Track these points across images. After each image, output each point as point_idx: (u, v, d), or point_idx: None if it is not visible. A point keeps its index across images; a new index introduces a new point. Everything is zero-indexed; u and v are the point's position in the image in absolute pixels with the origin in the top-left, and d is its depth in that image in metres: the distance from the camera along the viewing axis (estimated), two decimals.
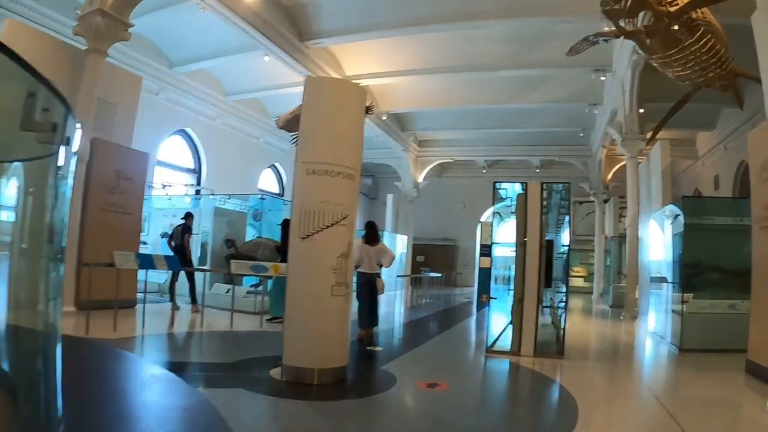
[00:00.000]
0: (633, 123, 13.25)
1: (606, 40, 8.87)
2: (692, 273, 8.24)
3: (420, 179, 24.44)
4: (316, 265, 5.12)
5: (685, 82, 8.78)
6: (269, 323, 8.90)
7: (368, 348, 7.40)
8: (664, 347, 8.40)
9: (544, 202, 7.89)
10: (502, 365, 6.62)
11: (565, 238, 8.73)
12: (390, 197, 23.80)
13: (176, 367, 5.37)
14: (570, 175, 24.10)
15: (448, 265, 26.49)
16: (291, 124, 10.25)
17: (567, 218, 8.84)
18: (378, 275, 8.52)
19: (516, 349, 6.92)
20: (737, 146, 15.91)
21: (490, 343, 7.21)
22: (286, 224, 8.37)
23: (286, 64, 14.09)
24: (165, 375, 4.85)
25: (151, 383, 4.64)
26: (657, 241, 11.28)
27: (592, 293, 21.47)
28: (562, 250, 9.09)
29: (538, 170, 25.35)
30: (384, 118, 19.55)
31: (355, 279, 8.79)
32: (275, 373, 5.18)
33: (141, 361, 5.69)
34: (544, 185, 7.32)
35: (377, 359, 6.80)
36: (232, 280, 10.80)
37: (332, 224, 5.14)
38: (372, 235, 8.53)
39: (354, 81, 16.40)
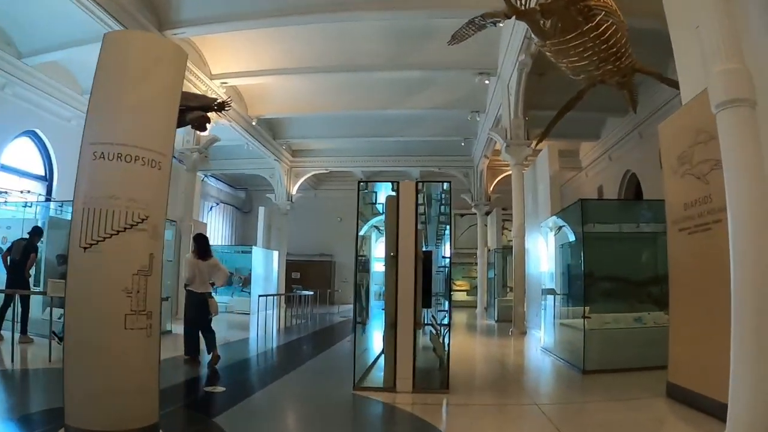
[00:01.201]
0: (518, 128, 12.60)
1: (494, 23, 7.82)
2: (590, 284, 7.36)
3: (294, 191, 22.87)
4: (102, 286, 3.48)
5: (579, 76, 7.96)
6: None
7: (207, 389, 5.71)
8: (563, 368, 7.37)
9: (422, 209, 6.76)
10: (371, 409, 5.18)
11: (446, 249, 7.59)
12: (262, 210, 22.05)
13: None
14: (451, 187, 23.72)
15: (326, 281, 25.16)
16: None
17: (447, 228, 7.70)
18: (210, 295, 7.21)
19: (391, 385, 5.55)
20: (622, 156, 15.96)
21: (359, 378, 5.78)
22: None
23: None
24: None
25: None
26: (545, 251, 10.53)
27: (476, 307, 20.94)
28: (443, 263, 7.95)
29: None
30: (254, 123, 17.82)
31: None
32: None
33: None
34: (421, 185, 6.13)
35: (213, 406, 5.11)
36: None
37: (125, 228, 3.53)
38: (203, 248, 7.27)
39: (221, 81, 14.71)
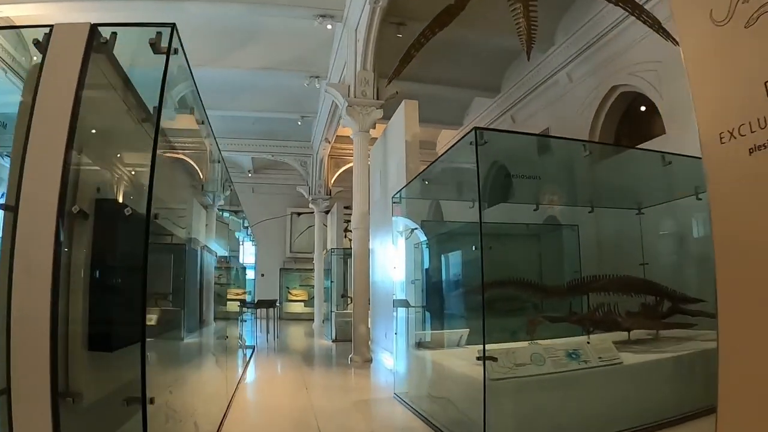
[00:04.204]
0: (365, 84, 9.38)
1: None
2: (476, 292, 4.22)
3: None
4: None
5: None
6: None
7: None
8: None
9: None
10: None
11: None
12: None
13: None
14: (287, 181, 20.36)
15: None
16: None
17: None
18: None
19: None
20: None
21: None
22: None
23: None
24: None
25: None
26: (401, 251, 7.34)
27: (314, 321, 17.49)
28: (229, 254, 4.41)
29: (250, 174, 20.67)
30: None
31: None
32: None
33: None
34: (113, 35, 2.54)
35: None
36: None
37: None
38: None
39: None
